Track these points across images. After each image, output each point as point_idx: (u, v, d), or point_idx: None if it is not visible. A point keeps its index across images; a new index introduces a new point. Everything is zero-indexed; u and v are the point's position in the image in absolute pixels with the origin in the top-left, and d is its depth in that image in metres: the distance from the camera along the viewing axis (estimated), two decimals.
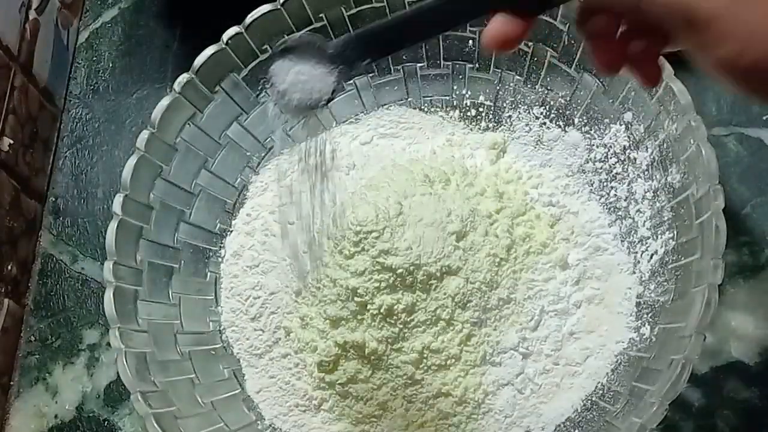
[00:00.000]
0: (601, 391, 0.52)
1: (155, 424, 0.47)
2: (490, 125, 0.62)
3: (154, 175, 0.56)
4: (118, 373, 0.49)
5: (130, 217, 0.53)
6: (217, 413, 0.53)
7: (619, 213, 0.57)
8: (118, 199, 0.53)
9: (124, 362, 0.49)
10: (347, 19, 0.58)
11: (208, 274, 0.60)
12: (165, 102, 0.55)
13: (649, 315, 0.52)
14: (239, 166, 0.62)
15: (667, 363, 0.45)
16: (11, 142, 0.64)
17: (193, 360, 0.55)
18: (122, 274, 0.52)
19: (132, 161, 0.54)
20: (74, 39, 0.74)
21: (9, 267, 0.63)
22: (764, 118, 0.62)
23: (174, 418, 0.49)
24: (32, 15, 0.68)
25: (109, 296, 0.50)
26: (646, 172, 0.54)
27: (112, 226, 0.52)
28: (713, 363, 0.55)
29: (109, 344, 0.59)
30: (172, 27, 0.73)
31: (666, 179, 0.52)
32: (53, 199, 0.69)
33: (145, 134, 0.54)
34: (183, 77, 0.56)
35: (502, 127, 0.62)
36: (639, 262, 0.54)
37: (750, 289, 0.57)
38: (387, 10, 0.58)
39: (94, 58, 0.73)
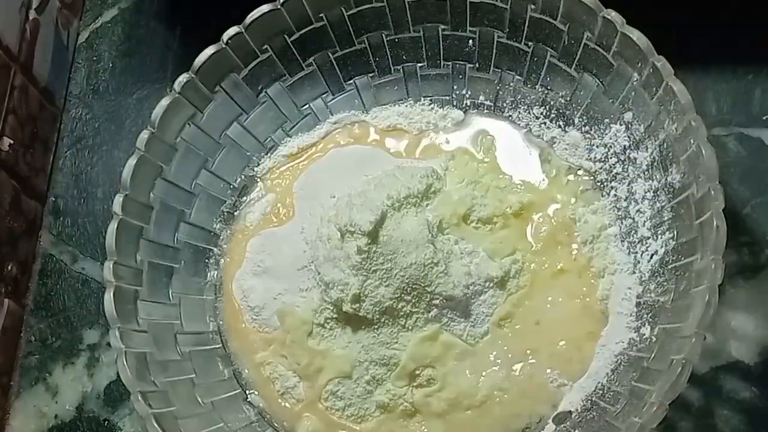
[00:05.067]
0: (601, 391, 0.52)
1: (155, 424, 0.47)
2: None
3: (154, 175, 0.56)
4: (118, 373, 0.49)
5: (130, 217, 0.53)
6: (217, 413, 0.53)
7: (619, 213, 0.57)
8: (118, 199, 0.53)
9: (124, 362, 0.49)
10: (347, 19, 0.58)
11: (208, 274, 0.60)
12: (165, 102, 0.55)
13: (649, 315, 0.52)
14: (239, 166, 0.62)
15: (667, 363, 0.45)
16: (11, 142, 0.64)
17: (193, 360, 0.55)
18: (122, 274, 0.52)
19: (132, 161, 0.54)
20: (74, 39, 0.74)
21: (9, 267, 0.63)
22: (764, 118, 0.61)
23: (174, 418, 0.49)
24: (32, 15, 0.68)
25: (109, 296, 0.50)
26: (646, 172, 0.54)
27: (112, 226, 0.52)
28: (713, 363, 0.55)
29: (109, 344, 0.59)
30: (172, 27, 0.73)
31: (666, 179, 0.52)
32: (53, 199, 0.69)
33: (145, 134, 0.54)
34: (183, 77, 0.56)
35: None
36: (639, 262, 0.54)
37: (750, 289, 0.57)
38: (387, 10, 0.58)
39: (94, 58, 0.73)
